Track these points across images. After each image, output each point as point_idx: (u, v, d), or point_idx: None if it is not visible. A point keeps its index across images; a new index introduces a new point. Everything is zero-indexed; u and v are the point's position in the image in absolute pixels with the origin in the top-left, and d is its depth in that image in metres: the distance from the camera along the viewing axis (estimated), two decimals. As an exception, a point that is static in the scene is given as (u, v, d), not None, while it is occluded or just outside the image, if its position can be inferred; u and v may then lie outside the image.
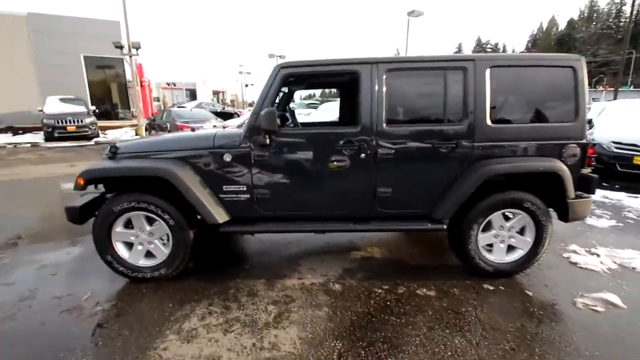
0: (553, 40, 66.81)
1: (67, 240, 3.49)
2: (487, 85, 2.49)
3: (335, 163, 2.52)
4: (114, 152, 2.66)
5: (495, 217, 2.63)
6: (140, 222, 2.55)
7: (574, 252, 3.25)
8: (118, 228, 2.56)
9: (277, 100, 2.84)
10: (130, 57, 14.22)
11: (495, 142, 2.52)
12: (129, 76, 17.61)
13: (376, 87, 2.46)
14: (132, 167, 2.48)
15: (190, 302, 2.37)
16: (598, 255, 3.17)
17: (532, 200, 2.56)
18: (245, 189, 2.57)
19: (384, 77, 2.46)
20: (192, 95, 36.06)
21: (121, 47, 13.86)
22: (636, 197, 5.15)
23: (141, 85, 20.97)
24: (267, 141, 2.45)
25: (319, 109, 11.41)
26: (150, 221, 2.56)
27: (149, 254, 2.62)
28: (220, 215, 2.54)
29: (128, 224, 2.58)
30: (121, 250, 2.60)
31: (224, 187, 2.58)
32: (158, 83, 37.10)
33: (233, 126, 2.88)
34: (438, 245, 3.41)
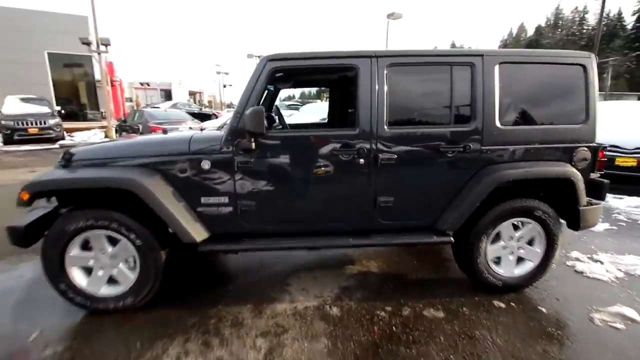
0: (522, 46, 69.61)
1: (20, 260, 2.99)
2: (496, 83, 2.27)
3: (330, 170, 2.22)
4: (68, 159, 2.24)
5: (505, 227, 2.41)
6: (101, 242, 2.14)
7: (577, 259, 3.10)
8: (73, 251, 2.14)
9: (263, 99, 2.49)
10: (99, 54, 13.35)
11: (505, 146, 2.30)
12: (98, 75, 16.61)
13: (376, 85, 2.18)
14: (88, 177, 2.07)
15: (163, 338, 1.99)
16: (602, 263, 3.03)
17: (544, 209, 2.36)
18: (227, 200, 2.22)
19: (385, 72, 2.19)
20: (168, 95, 34.80)
21: (89, 44, 12.99)
22: (621, 198, 5.15)
23: (112, 85, 19.89)
24: (253, 145, 2.12)
25: (301, 110, 11.09)
26: (113, 241, 2.16)
27: (112, 281, 2.22)
28: (197, 233, 2.17)
29: (86, 245, 2.17)
30: (78, 276, 2.18)
31: (202, 198, 2.22)
32: (131, 83, 35.57)
33: (212, 128, 2.53)
34: (437, 255, 3.17)
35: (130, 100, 30.29)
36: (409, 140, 2.23)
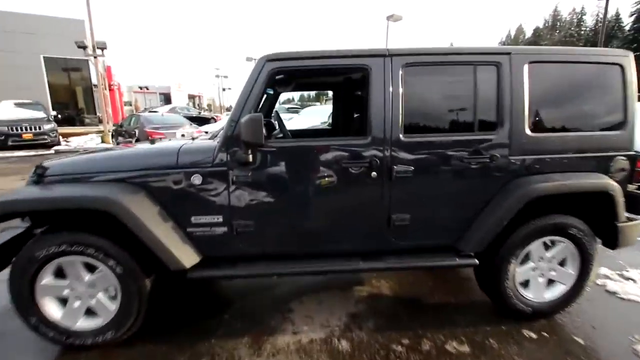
0: (521, 48, 69.44)
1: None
2: (526, 85, 2.01)
3: (338, 184, 1.95)
4: (40, 173, 1.97)
5: (535, 246, 2.14)
6: (76, 270, 1.87)
7: (607, 277, 2.83)
8: (45, 279, 1.86)
9: (261, 104, 2.23)
10: (95, 58, 13.12)
11: (536, 155, 2.04)
12: (95, 79, 16.37)
13: (391, 87, 1.92)
14: (59, 197, 1.79)
15: (146, 382, 1.72)
16: (634, 281, 2.76)
17: (578, 226, 2.10)
18: (221, 219, 1.95)
19: (401, 73, 1.92)
20: (167, 99, 34.69)
21: (84, 47, 12.75)
22: None
23: (110, 89, 19.68)
24: (250, 157, 1.85)
25: (301, 114, 10.82)
26: (91, 268, 1.89)
27: (90, 312, 1.94)
28: (187, 257, 1.90)
29: (60, 272, 1.90)
30: (51, 308, 1.90)
31: (192, 218, 1.95)
32: (130, 87, 35.46)
33: (205, 137, 2.25)
34: (454, 274, 2.90)
35: (130, 104, 30.13)
36: (428, 150, 1.97)
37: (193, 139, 2.44)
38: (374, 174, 1.94)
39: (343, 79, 2.83)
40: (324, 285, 2.69)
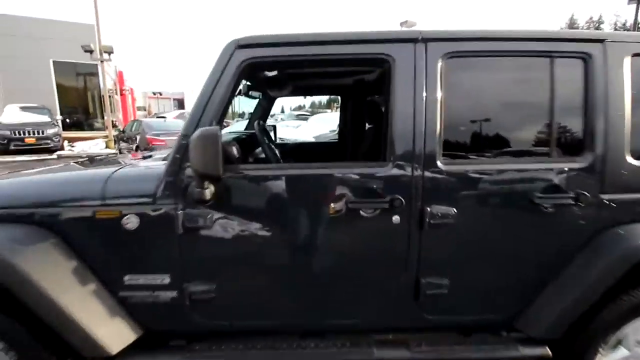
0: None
1: None
2: (627, 88, 1.33)
3: (341, 232, 1.31)
4: None
5: (631, 328, 1.44)
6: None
7: None
8: None
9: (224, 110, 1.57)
10: (101, 62, 12.89)
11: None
12: (108, 83, 16.22)
13: (424, 88, 1.27)
14: None
15: None
16: None
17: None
18: (168, 280, 1.33)
19: (439, 67, 1.27)
20: (180, 104, 34.82)
21: (91, 52, 12.52)
22: None
23: (121, 94, 19.56)
24: (207, 192, 1.21)
25: (310, 121, 10.25)
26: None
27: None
28: (115, 337, 1.27)
29: None
30: None
31: (126, 277, 1.32)
32: (145, 92, 35.75)
33: (158, 157, 1.63)
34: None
35: (144, 109, 30.27)
36: (479, 184, 1.31)
37: (145, 157, 1.79)
38: (396, 218, 1.29)
39: (352, 77, 2.18)
40: None
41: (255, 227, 1.29)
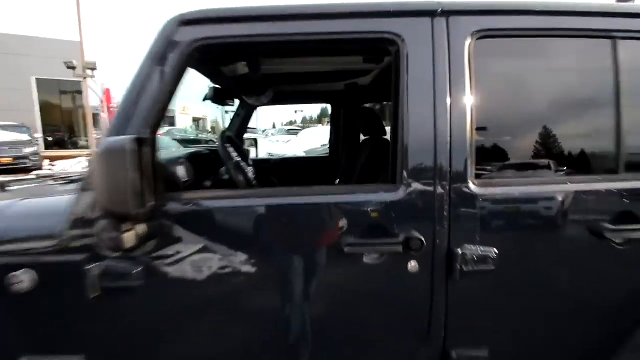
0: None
1: None
2: None
3: (334, 286, 0.91)
4: None
5: None
6: None
7: None
8: None
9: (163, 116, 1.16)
10: (84, 78, 12.51)
11: None
12: (92, 101, 15.77)
13: (447, 79, 0.90)
14: None
15: None
16: None
17: None
18: (81, 362, 0.89)
19: (467, 49, 0.91)
20: (171, 123, 34.43)
21: (73, 68, 12.16)
22: None
23: (109, 111, 19.09)
24: (127, 237, 0.78)
25: (300, 135, 9.96)
26: None
27: None
28: None
29: None
30: None
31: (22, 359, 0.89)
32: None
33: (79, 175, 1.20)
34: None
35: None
36: (530, 214, 0.92)
37: (73, 181, 1.35)
38: (413, 265, 0.89)
39: (344, 82, 1.80)
40: None
41: (207, 285, 0.88)
